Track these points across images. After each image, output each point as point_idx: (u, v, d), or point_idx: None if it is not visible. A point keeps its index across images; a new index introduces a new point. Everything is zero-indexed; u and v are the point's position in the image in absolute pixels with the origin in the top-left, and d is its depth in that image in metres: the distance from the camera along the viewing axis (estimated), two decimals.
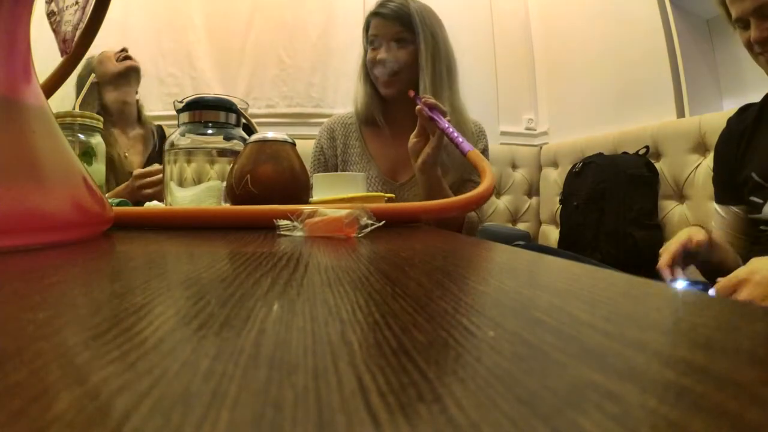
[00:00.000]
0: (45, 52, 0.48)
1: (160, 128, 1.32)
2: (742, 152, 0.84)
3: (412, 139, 0.81)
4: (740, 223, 0.87)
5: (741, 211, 0.86)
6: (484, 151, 0.99)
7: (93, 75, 0.82)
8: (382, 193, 0.61)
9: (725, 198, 0.89)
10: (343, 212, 0.33)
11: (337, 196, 0.57)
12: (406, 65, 0.91)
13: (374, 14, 0.94)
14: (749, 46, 0.77)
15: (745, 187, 0.83)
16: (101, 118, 0.71)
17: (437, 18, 0.97)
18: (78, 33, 0.37)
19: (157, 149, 1.25)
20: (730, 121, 0.90)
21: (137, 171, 0.98)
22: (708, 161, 1.17)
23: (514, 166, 1.87)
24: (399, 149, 0.94)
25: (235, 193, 0.50)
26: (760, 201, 0.80)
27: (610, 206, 1.32)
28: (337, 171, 1.01)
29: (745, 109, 0.89)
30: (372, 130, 1.01)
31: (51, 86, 0.41)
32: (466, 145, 0.73)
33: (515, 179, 1.84)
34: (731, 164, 0.87)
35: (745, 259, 0.70)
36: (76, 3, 0.36)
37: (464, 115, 0.97)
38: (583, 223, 1.38)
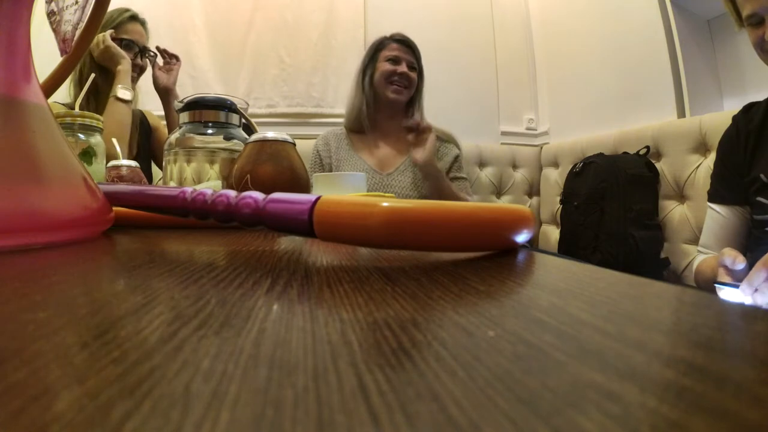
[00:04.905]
0: (45, 52, 0.48)
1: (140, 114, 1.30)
2: (750, 152, 0.83)
3: (412, 145, 1.15)
4: (740, 224, 0.86)
5: (744, 211, 0.86)
6: (457, 159, 1.31)
7: (93, 74, 0.82)
8: (382, 194, 0.61)
9: (727, 198, 0.87)
10: None
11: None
12: (412, 84, 1.28)
13: (397, 40, 1.29)
14: (761, 44, 0.75)
15: (752, 187, 0.81)
16: (101, 118, 0.71)
17: None
18: (78, 33, 0.37)
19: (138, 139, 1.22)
20: (736, 119, 0.88)
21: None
22: (709, 161, 1.17)
23: (514, 166, 1.86)
24: (382, 148, 1.28)
25: None
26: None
27: (610, 206, 1.32)
28: (332, 171, 1.23)
29: (749, 107, 0.87)
30: (358, 136, 1.30)
31: (51, 86, 0.41)
32: None
33: (516, 179, 1.84)
34: (737, 164, 0.85)
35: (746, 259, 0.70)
36: (76, 3, 0.36)
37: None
38: (584, 223, 1.38)
